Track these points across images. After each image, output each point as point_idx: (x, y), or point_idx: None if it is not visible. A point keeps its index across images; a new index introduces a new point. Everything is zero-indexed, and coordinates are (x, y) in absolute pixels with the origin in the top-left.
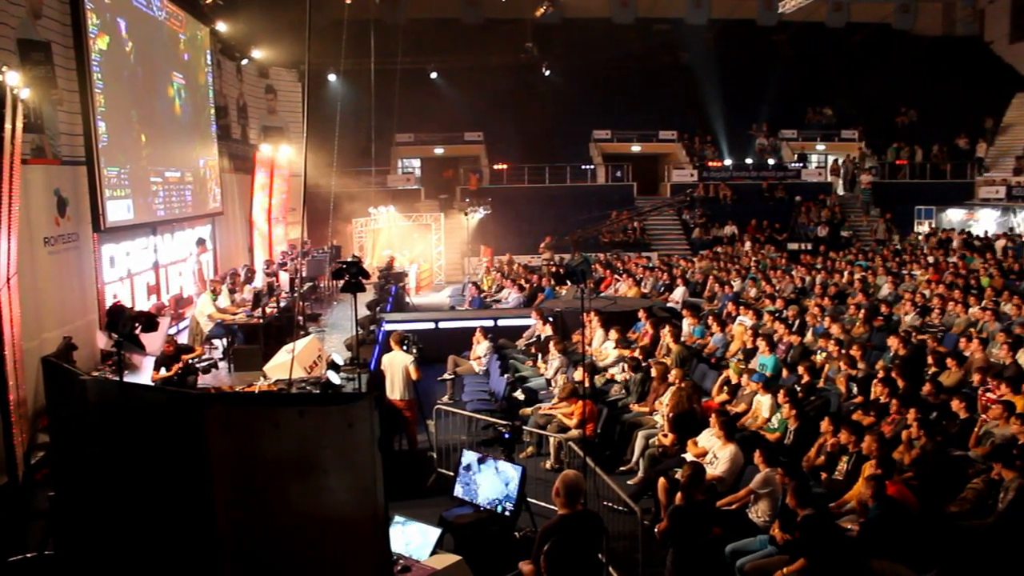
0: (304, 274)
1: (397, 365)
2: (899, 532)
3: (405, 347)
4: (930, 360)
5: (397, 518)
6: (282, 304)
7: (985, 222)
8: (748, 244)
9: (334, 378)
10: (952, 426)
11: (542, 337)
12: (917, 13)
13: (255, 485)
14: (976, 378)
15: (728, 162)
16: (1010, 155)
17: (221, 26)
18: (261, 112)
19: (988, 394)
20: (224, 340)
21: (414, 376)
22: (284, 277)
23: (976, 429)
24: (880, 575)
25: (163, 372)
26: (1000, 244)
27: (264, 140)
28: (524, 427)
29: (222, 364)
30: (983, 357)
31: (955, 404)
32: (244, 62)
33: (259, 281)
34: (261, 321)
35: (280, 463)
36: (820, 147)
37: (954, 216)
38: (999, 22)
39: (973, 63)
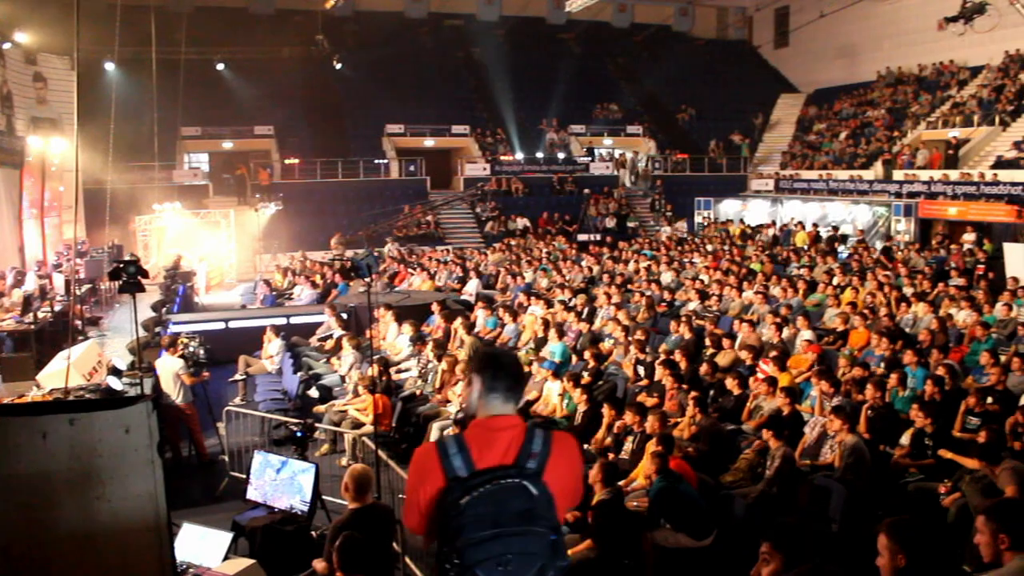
0: (81, 275)
1: (168, 371)
2: (679, 503)
3: (182, 350)
4: (708, 342)
5: (185, 525)
6: (56, 308)
7: (756, 212)
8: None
9: (115, 384)
10: (728, 402)
11: (335, 334)
12: (694, 17)
13: (23, 501)
14: (745, 356)
15: (519, 156)
16: (777, 151)
17: None
18: (29, 102)
19: (765, 369)
20: None
21: (187, 382)
22: (59, 279)
23: (748, 404)
24: (662, 544)
25: None
26: (768, 232)
27: (34, 132)
28: (318, 425)
29: None
30: (755, 336)
31: (729, 382)
32: (7, 46)
33: (31, 284)
34: (33, 327)
35: (50, 475)
36: (607, 142)
37: (729, 207)
38: (765, 29)
39: (744, 65)
